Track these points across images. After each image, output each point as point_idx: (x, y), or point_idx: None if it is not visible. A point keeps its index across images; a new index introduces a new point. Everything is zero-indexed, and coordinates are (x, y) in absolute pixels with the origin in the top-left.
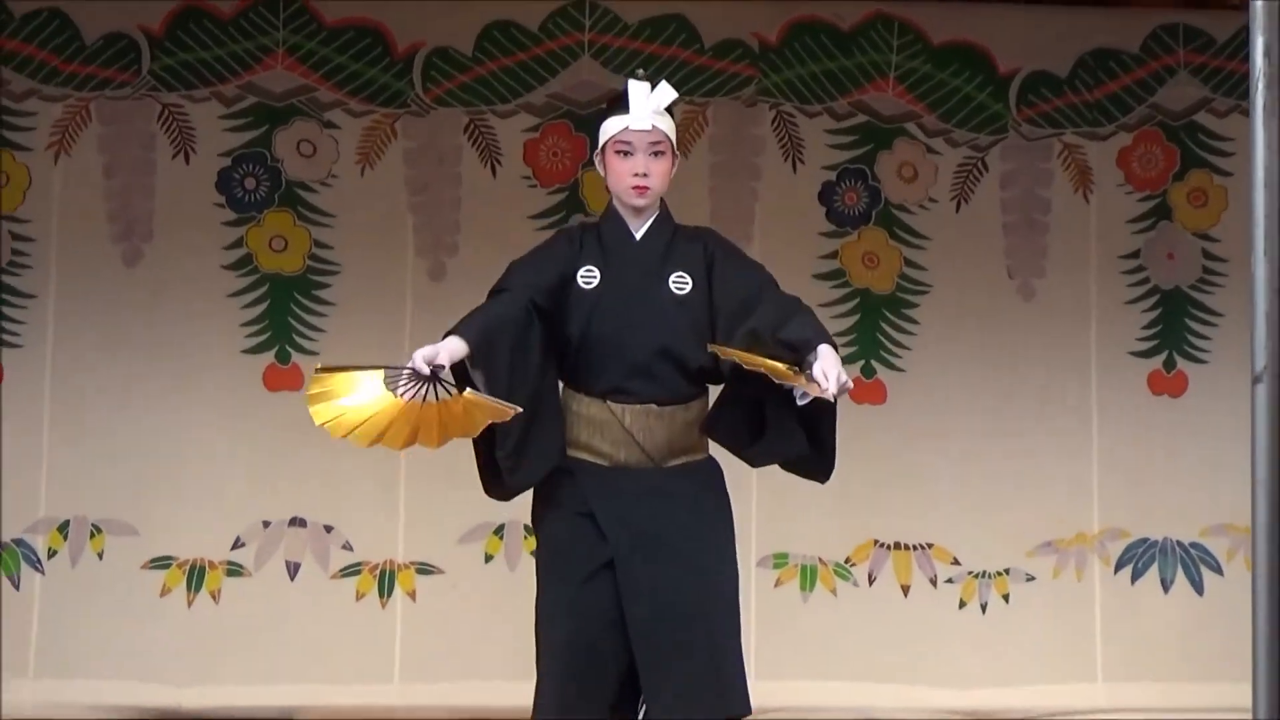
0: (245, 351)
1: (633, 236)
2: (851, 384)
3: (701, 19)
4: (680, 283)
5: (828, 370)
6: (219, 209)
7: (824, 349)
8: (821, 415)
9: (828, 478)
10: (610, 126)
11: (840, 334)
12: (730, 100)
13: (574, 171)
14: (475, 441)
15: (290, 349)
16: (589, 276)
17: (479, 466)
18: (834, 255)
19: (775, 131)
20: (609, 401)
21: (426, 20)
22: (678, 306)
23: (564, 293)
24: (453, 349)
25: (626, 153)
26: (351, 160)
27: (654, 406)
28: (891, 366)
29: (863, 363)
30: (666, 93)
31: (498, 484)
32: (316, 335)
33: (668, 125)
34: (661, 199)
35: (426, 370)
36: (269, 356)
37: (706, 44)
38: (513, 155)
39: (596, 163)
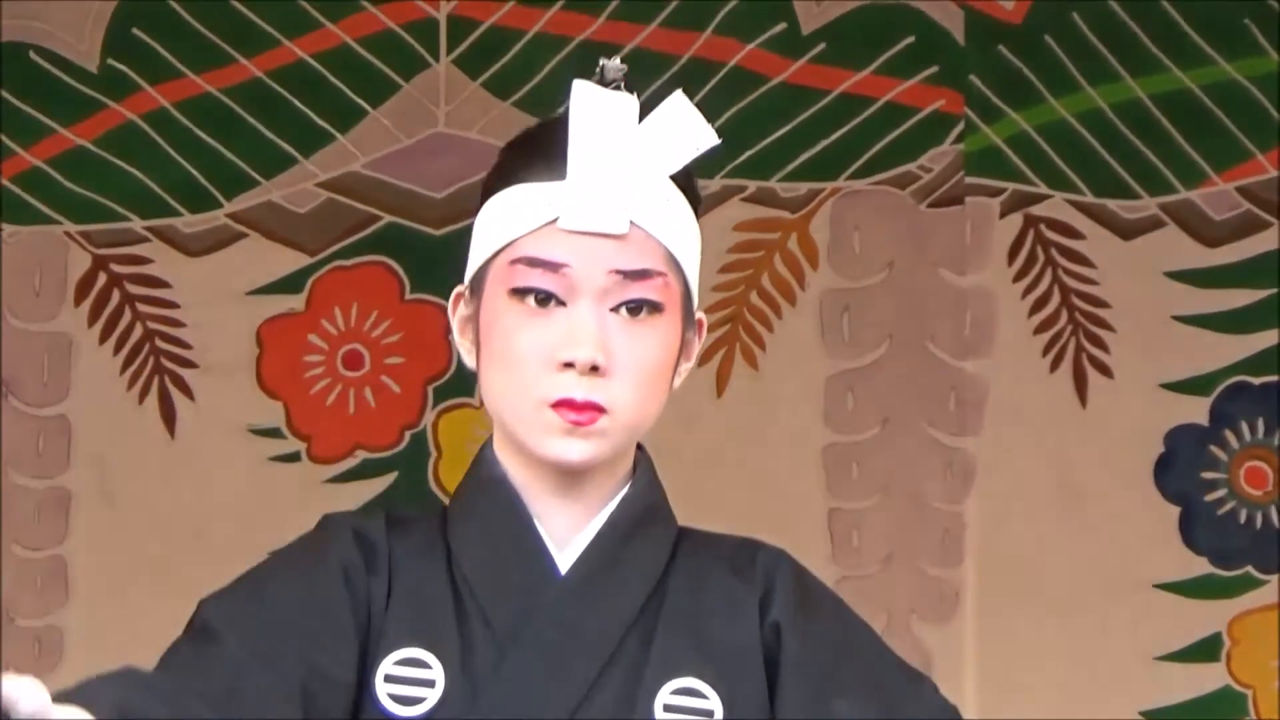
0: None
1: (551, 567)
2: None
3: None
4: (690, 702)
5: None
6: None
7: None
8: None
9: None
10: (508, 215)
11: None
12: (880, 190)
13: (417, 412)
14: None
15: None
16: (415, 683)
17: None
18: (1209, 648)
19: (1020, 277)
20: None
21: None
22: None
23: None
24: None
25: (544, 296)
26: None
27: None
28: None
29: None
30: (681, 125)
31: None
32: None
33: (674, 225)
34: (641, 453)
35: None
36: None
37: (803, 30)
38: (226, 361)
39: (456, 333)
